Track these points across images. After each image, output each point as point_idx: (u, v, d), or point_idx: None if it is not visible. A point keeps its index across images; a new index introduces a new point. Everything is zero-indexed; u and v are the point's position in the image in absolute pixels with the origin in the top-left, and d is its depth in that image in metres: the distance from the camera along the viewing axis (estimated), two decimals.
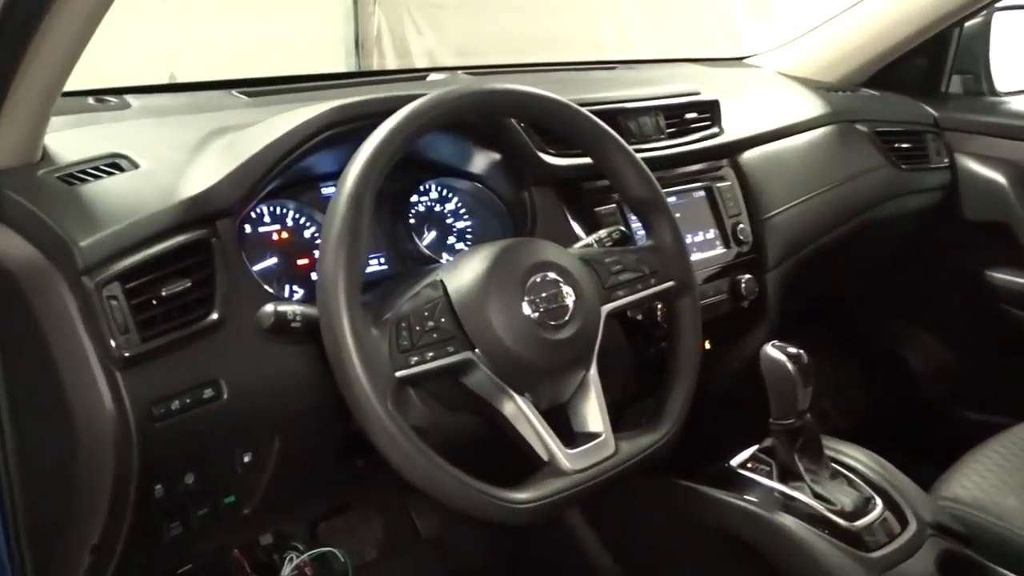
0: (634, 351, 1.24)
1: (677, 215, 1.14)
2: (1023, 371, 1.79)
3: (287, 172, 1.02)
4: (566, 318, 0.96)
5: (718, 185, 1.45)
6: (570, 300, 0.96)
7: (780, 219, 1.51)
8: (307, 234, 1.10)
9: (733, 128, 1.49)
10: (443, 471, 0.86)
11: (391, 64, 4.46)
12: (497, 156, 1.20)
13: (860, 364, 2.10)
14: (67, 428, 0.87)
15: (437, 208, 1.22)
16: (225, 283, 0.92)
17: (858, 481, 1.16)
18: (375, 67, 4.39)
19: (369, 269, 1.13)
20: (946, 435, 1.62)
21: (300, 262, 1.08)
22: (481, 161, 1.21)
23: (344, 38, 4.54)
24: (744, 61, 2.03)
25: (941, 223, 1.87)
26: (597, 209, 1.26)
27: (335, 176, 0.92)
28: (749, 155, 1.52)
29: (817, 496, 1.11)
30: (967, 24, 1.89)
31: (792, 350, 1.09)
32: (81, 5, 0.81)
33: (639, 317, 1.23)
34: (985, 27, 1.93)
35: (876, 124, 1.78)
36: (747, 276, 1.41)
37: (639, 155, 1.10)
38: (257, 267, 1.04)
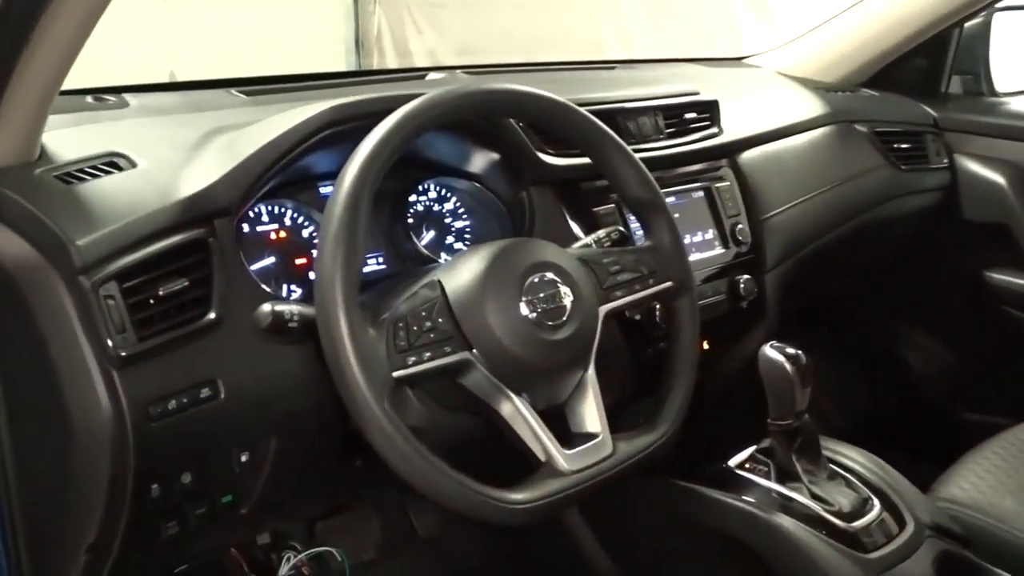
0: (632, 351, 1.23)
1: (676, 215, 1.14)
2: (1022, 372, 1.79)
3: (285, 171, 1.02)
4: (564, 318, 0.95)
5: (717, 185, 1.45)
6: (568, 300, 0.96)
7: (779, 219, 1.51)
8: (305, 233, 1.10)
9: (732, 128, 1.49)
10: (440, 471, 0.86)
11: (391, 63, 4.46)
12: (496, 156, 1.19)
13: (859, 364, 2.10)
14: (64, 427, 0.87)
15: (435, 208, 1.22)
16: (223, 282, 0.92)
17: (856, 482, 1.16)
18: (375, 66, 4.39)
19: (367, 269, 1.13)
20: (945, 436, 1.62)
21: (298, 261, 1.08)
22: (480, 161, 1.20)
23: (344, 37, 4.54)
24: (744, 61, 2.03)
25: (941, 224, 1.87)
26: (596, 209, 1.25)
27: (333, 175, 0.92)
28: (748, 155, 1.51)
29: (815, 497, 1.11)
30: (967, 24, 1.89)
31: (790, 350, 1.09)
32: (79, 4, 0.81)
33: (637, 317, 1.23)
34: (985, 27, 1.92)
35: (876, 124, 1.78)
36: (746, 276, 1.41)
37: (638, 155, 1.09)
38: (255, 266, 1.04)
